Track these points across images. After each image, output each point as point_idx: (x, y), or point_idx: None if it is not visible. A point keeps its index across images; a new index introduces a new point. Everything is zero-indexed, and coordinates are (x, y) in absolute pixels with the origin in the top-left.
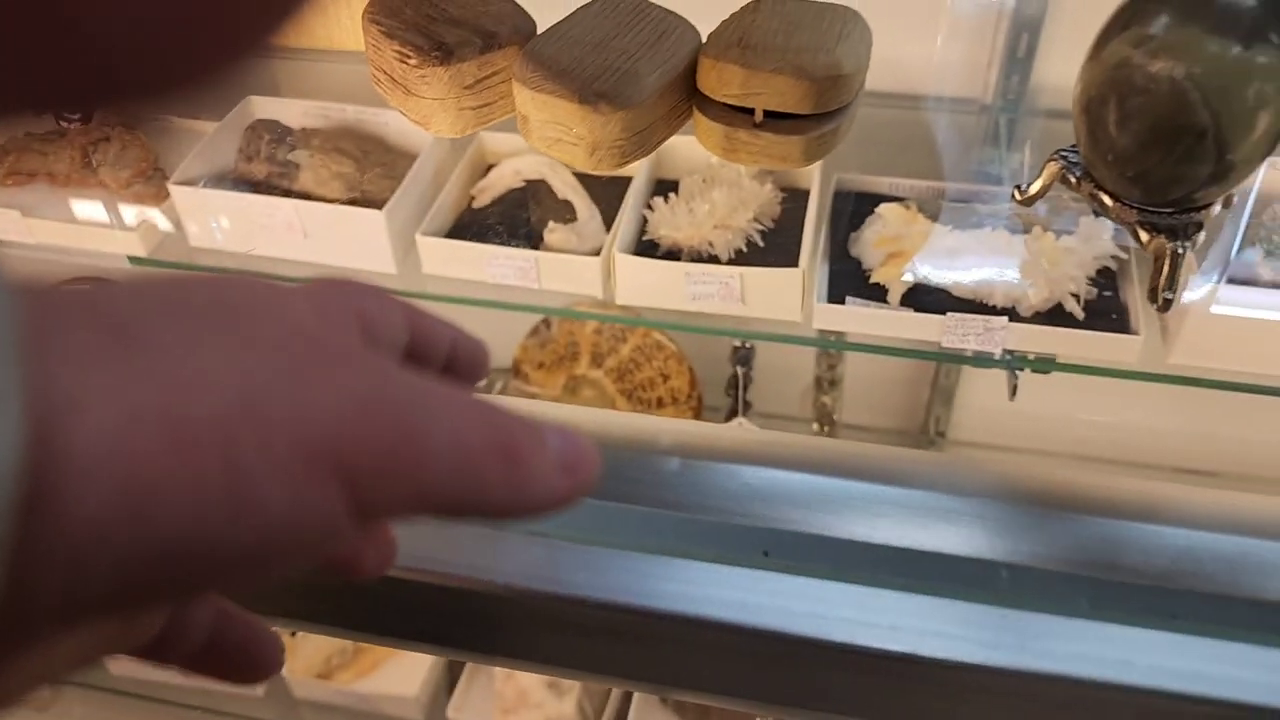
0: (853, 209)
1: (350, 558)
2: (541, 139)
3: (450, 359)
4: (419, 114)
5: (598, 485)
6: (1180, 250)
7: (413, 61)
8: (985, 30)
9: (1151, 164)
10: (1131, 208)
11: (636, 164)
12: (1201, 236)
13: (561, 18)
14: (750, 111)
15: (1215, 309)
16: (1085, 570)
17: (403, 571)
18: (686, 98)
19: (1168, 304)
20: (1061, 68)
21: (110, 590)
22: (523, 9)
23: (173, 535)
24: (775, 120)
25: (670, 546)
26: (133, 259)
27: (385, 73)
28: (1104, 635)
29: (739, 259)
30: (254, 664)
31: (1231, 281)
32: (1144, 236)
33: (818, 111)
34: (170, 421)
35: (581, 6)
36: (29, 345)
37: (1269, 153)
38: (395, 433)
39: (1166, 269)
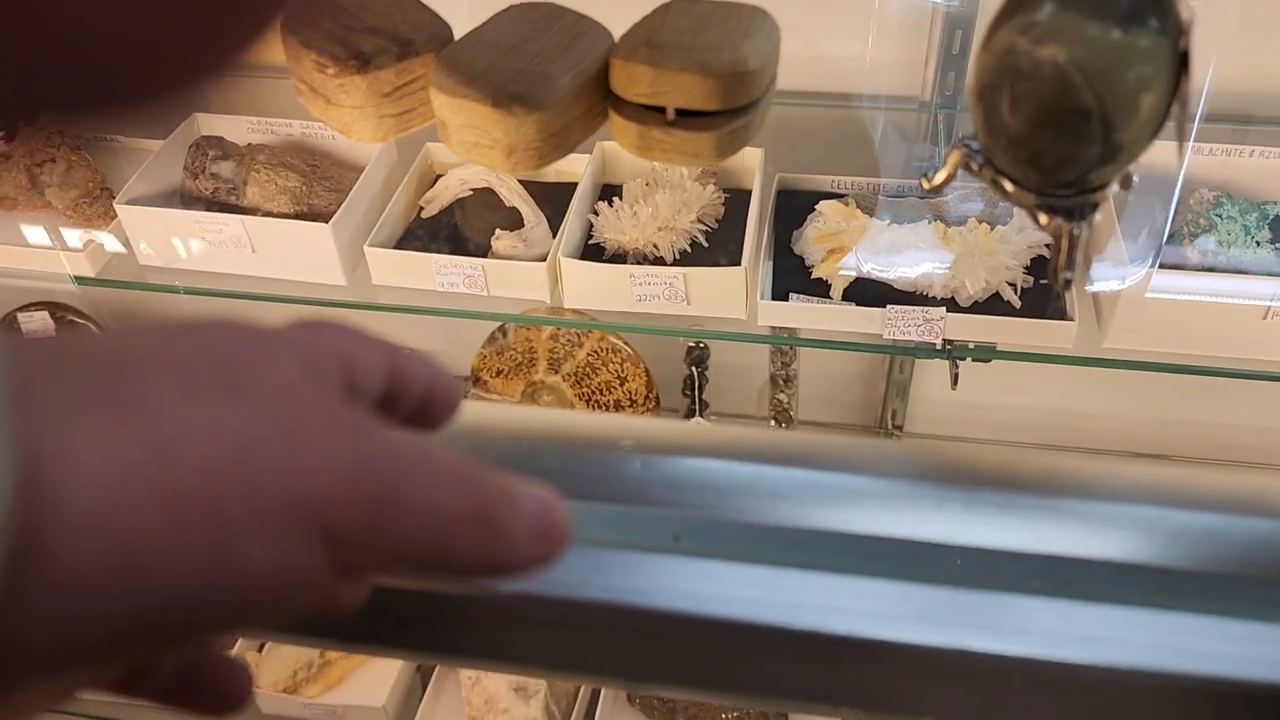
0: (796, 208)
1: (326, 603)
2: (460, 143)
3: (426, 396)
4: (340, 123)
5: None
6: (1076, 231)
7: (330, 71)
8: (921, 29)
9: (1042, 146)
10: (1029, 191)
11: (581, 169)
12: (1099, 216)
13: (477, 24)
14: (662, 110)
15: (1148, 294)
16: (1066, 551)
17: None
18: (601, 99)
19: (1068, 283)
20: None
21: (98, 641)
22: (439, 16)
23: (161, 591)
24: (687, 118)
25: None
26: (81, 279)
27: (305, 83)
28: (1007, 607)
29: (683, 259)
30: (223, 697)
31: (1162, 266)
32: (1043, 219)
33: (726, 107)
34: (161, 481)
35: (497, 13)
36: (20, 398)
37: (1157, 132)
38: (377, 497)
39: (1064, 248)
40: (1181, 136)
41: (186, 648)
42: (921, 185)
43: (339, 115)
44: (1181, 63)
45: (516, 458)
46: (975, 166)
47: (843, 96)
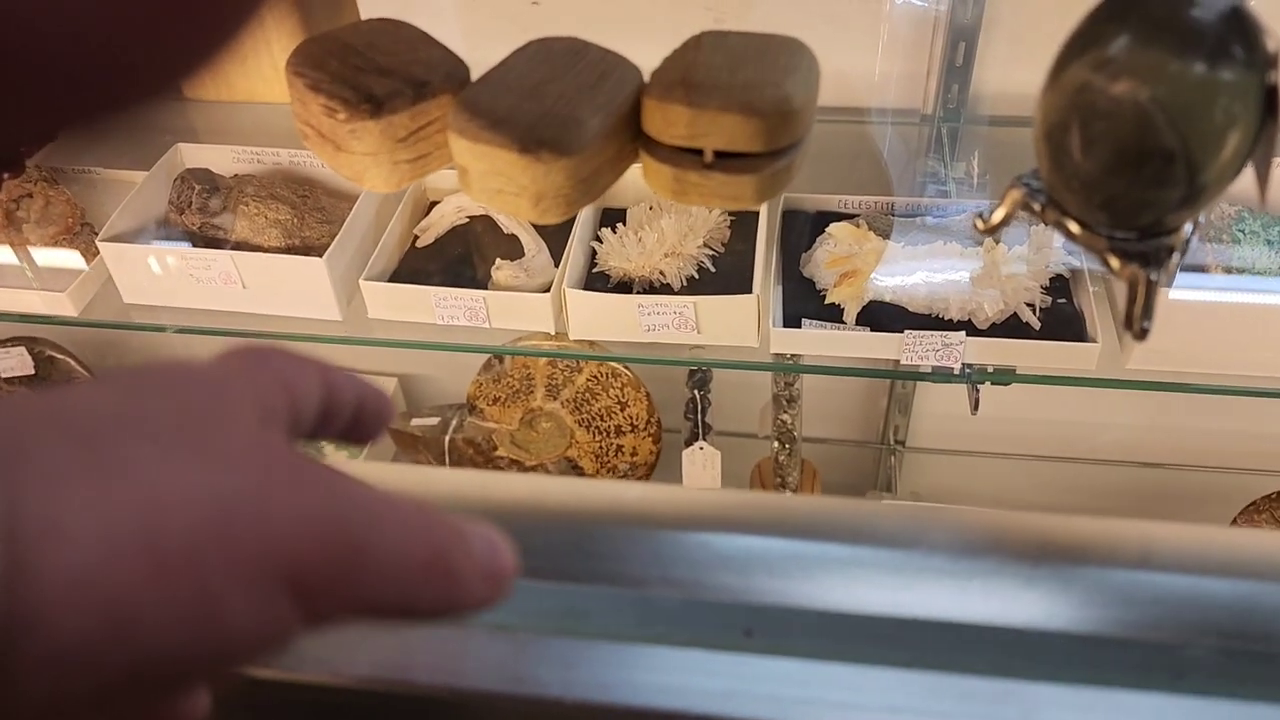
0: (803, 228)
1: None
2: (482, 190)
3: (357, 412)
4: (351, 170)
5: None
6: (1154, 278)
7: (341, 116)
8: (923, 41)
9: (1119, 190)
10: (1099, 235)
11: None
12: (1176, 259)
13: (496, 62)
14: (699, 151)
15: (1171, 312)
16: (1088, 628)
17: (356, 681)
18: (631, 140)
19: (1144, 332)
20: (1000, 75)
21: (86, 700)
22: (455, 55)
23: (148, 650)
24: (726, 160)
25: (640, 630)
26: (64, 320)
27: (313, 128)
28: (1113, 703)
29: (691, 286)
30: None
31: (1185, 284)
32: (1115, 264)
33: (769, 149)
34: (147, 545)
35: (517, 50)
36: (3, 467)
37: (1239, 171)
38: (346, 550)
39: (1142, 296)
40: (1265, 178)
41: (168, 697)
42: (976, 226)
43: (350, 162)
44: (1268, 98)
45: (559, 536)
46: (1037, 207)
47: (845, 111)
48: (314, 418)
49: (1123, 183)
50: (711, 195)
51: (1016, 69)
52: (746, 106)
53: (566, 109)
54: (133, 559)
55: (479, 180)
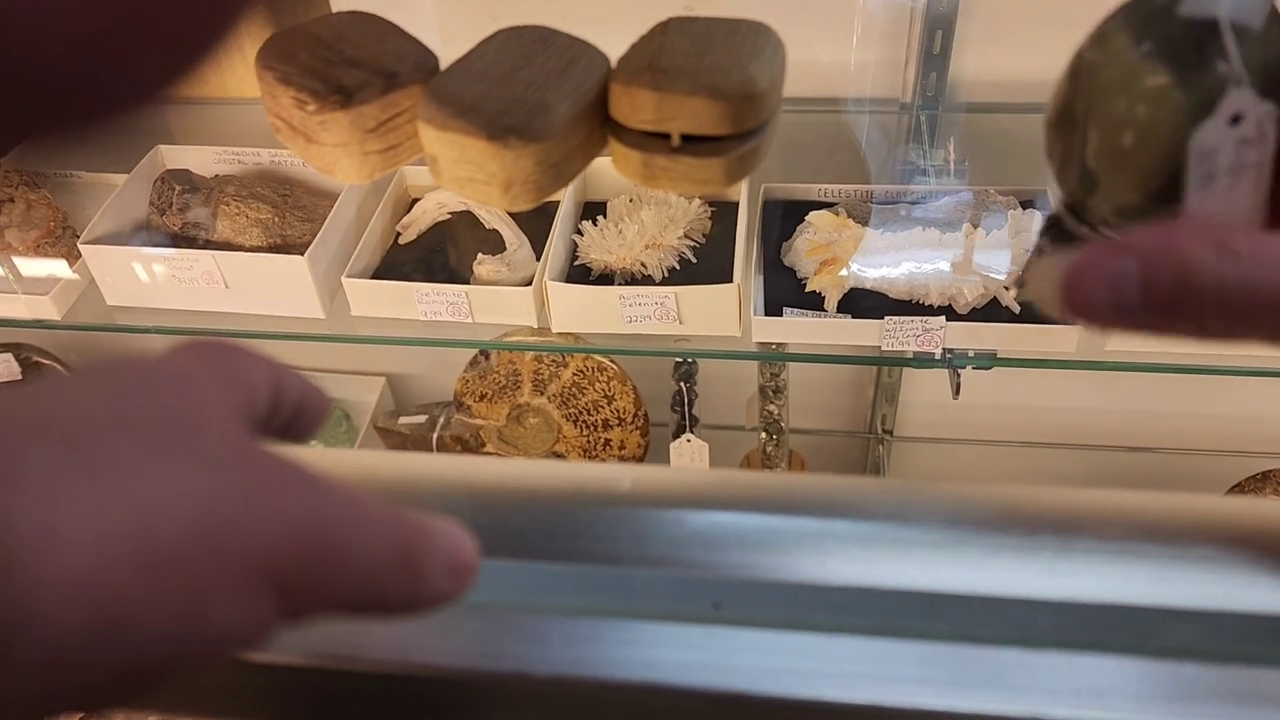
0: (783, 218)
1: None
2: (452, 179)
3: (298, 409)
4: (322, 161)
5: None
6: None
7: (310, 108)
8: (900, 30)
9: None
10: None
11: (563, 188)
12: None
13: (465, 52)
14: (667, 136)
15: None
16: (1056, 595)
17: (329, 661)
18: (600, 126)
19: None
20: (977, 62)
21: (75, 698)
22: (424, 45)
23: (138, 650)
24: (693, 143)
25: (613, 605)
26: (47, 324)
27: (284, 120)
28: (1081, 668)
29: (672, 277)
30: None
31: None
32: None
33: (735, 132)
34: (137, 548)
35: (486, 39)
36: None
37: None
38: (323, 548)
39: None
40: None
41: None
42: (1008, 290)
43: (321, 154)
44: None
45: (514, 512)
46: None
47: (824, 101)
48: (264, 414)
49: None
50: (680, 179)
51: (993, 56)
52: (711, 90)
53: (534, 95)
54: (123, 561)
55: (449, 169)
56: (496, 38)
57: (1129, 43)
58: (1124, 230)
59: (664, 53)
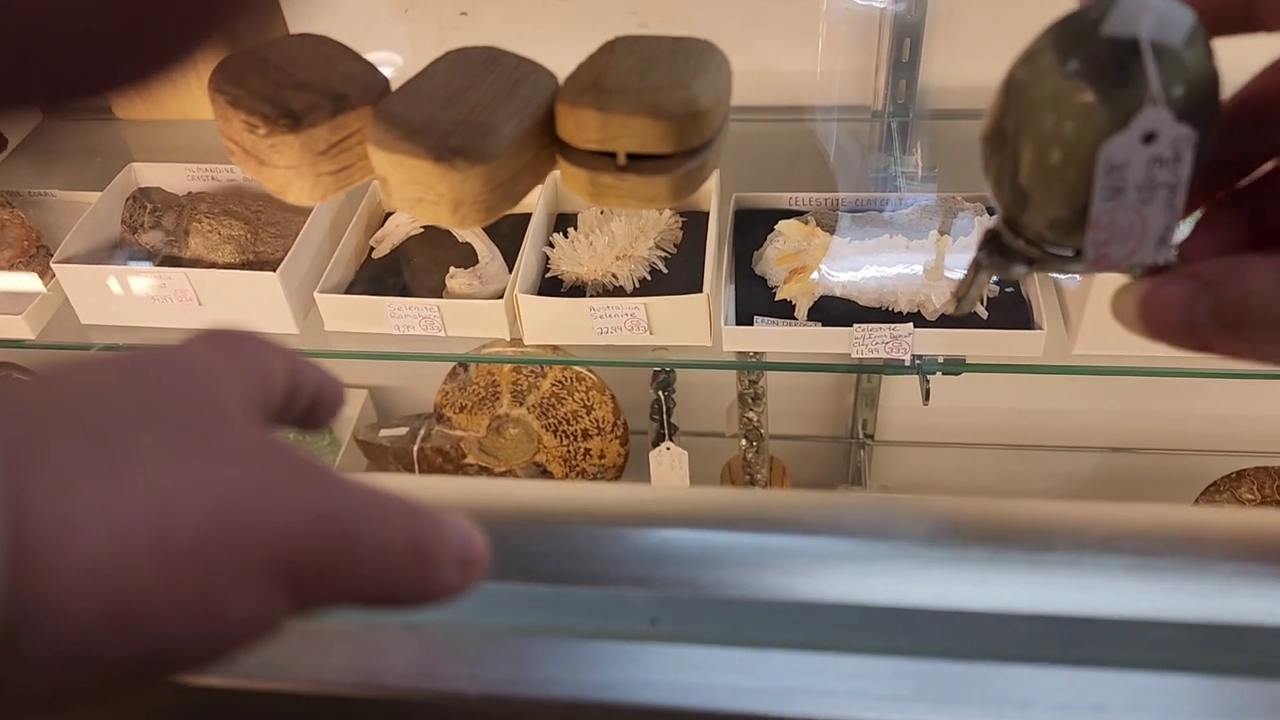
0: (754, 227)
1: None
2: (402, 199)
3: (314, 399)
4: (275, 184)
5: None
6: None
7: (261, 131)
8: (870, 38)
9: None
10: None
11: (534, 199)
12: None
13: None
14: (613, 155)
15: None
16: (986, 607)
17: (265, 682)
18: (548, 145)
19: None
20: (946, 69)
21: (88, 688)
22: (374, 67)
23: (153, 644)
24: (639, 161)
25: (550, 622)
26: (22, 343)
27: (237, 143)
28: (993, 677)
29: (644, 288)
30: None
31: None
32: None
33: (679, 150)
34: (156, 541)
35: (433, 61)
36: (14, 463)
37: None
38: (338, 541)
39: (971, 281)
40: None
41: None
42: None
43: (273, 176)
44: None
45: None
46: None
47: (795, 109)
48: (279, 404)
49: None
50: (627, 197)
51: (962, 63)
52: (654, 109)
53: (481, 116)
54: (141, 555)
55: (398, 189)
56: (445, 59)
57: (1056, 61)
58: (1058, 244)
59: (608, 72)
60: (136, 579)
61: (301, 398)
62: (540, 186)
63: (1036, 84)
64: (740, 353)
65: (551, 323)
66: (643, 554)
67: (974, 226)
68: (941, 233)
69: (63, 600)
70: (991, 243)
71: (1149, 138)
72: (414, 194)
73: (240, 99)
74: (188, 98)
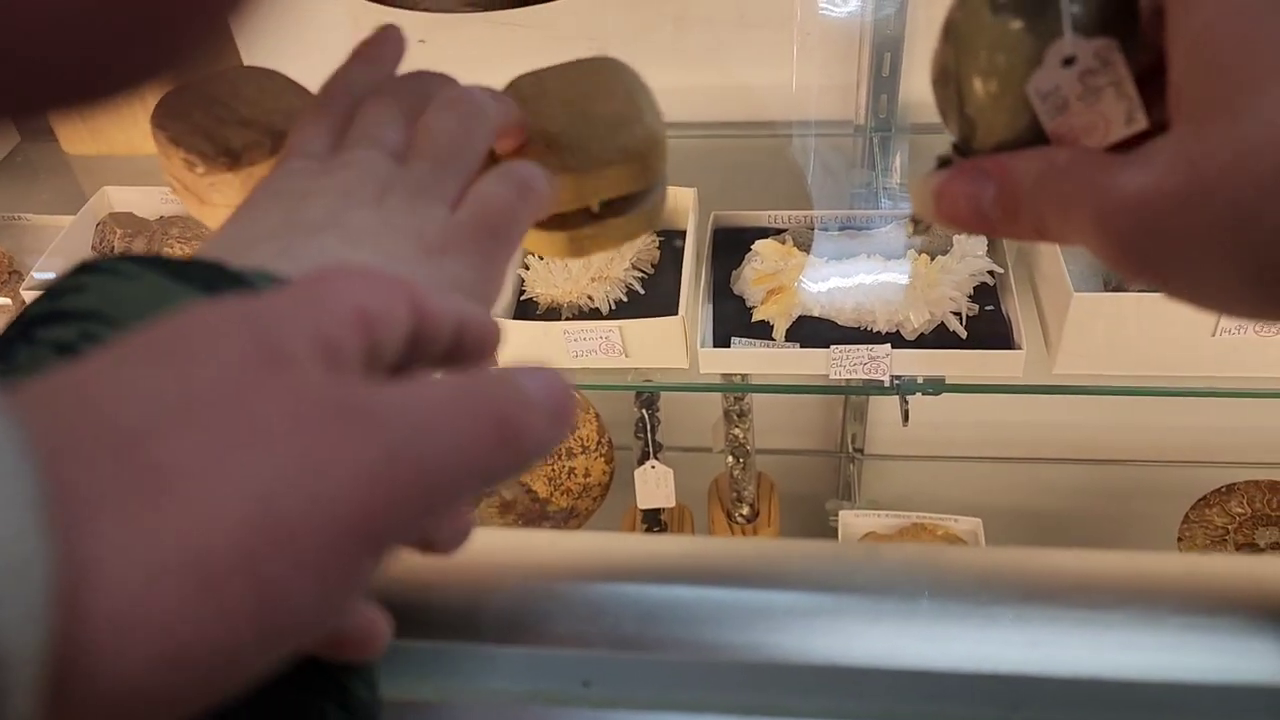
0: (733, 246)
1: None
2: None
3: (456, 339)
4: (216, 222)
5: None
6: None
7: (199, 170)
8: (851, 53)
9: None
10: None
11: None
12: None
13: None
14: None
15: (1094, 317)
16: (921, 664)
17: None
18: None
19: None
20: (927, 84)
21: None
22: None
23: (207, 668)
24: (614, 203)
25: (480, 685)
26: None
27: (178, 180)
28: None
29: (620, 309)
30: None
31: (1107, 288)
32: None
33: (655, 180)
34: (198, 563)
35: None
36: (49, 504)
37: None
38: (413, 485)
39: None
40: None
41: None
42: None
43: (215, 214)
44: None
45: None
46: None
47: (776, 125)
48: (400, 349)
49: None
50: (608, 241)
51: None
52: (624, 153)
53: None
54: (182, 583)
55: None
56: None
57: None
58: None
59: (545, 122)
60: (181, 607)
61: (436, 341)
62: None
63: (968, 22)
64: (725, 375)
65: (526, 347)
66: (577, 610)
67: (952, 245)
68: (920, 251)
69: (106, 646)
70: (945, 166)
71: (1068, 61)
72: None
73: (180, 136)
74: (134, 130)
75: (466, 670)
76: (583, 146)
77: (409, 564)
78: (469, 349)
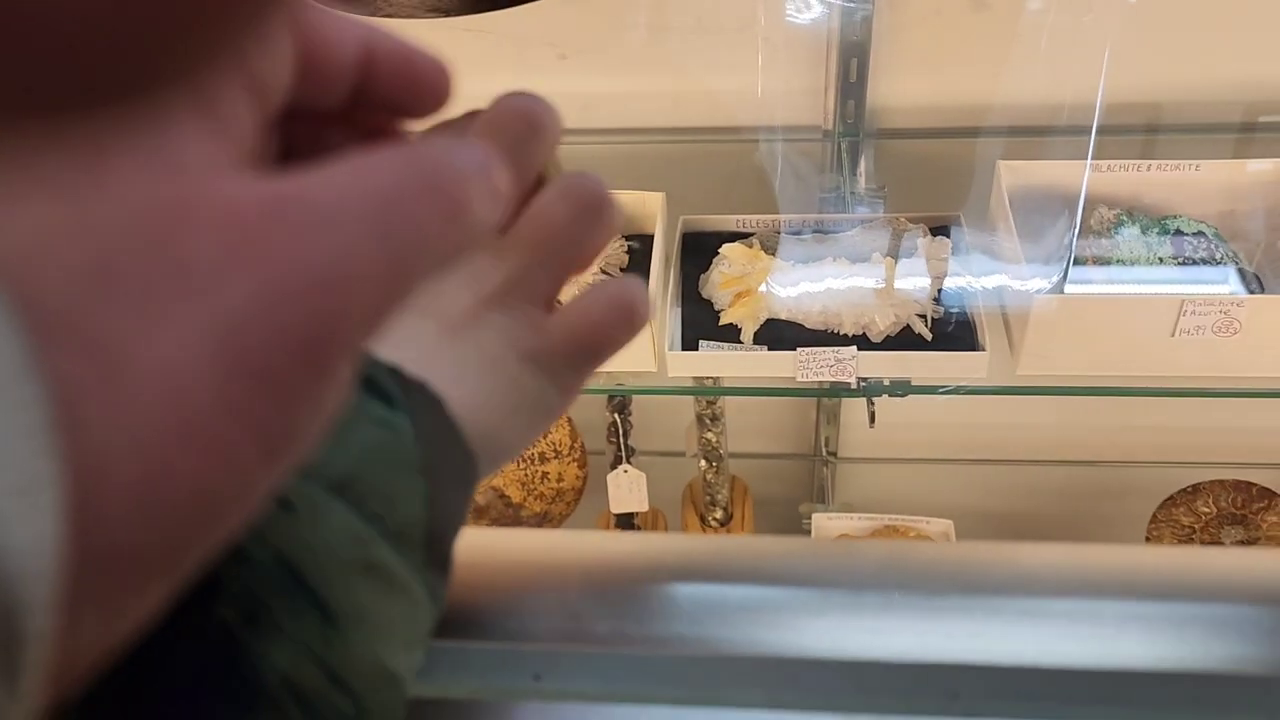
0: (702, 249)
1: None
2: None
3: (401, 77)
4: None
5: None
6: None
7: None
8: (818, 58)
9: None
10: None
11: None
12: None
13: None
14: None
15: (1055, 318)
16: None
17: None
18: None
19: None
20: (893, 88)
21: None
22: None
23: (208, 512)
24: None
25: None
26: None
27: None
28: None
29: None
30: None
31: (1068, 289)
32: None
33: None
34: (179, 425)
35: None
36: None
37: None
38: (364, 278)
39: None
40: None
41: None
42: None
43: None
44: None
45: None
46: None
47: (744, 130)
48: (287, 80)
49: None
50: None
51: (909, 82)
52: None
53: None
54: (167, 439)
55: None
56: None
57: None
58: None
59: None
60: (174, 463)
61: (380, 77)
62: None
63: None
64: (697, 379)
65: None
66: (528, 607)
67: (918, 247)
68: (886, 254)
69: (113, 516)
70: None
71: None
72: None
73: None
74: None
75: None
76: None
77: None
78: (417, 92)
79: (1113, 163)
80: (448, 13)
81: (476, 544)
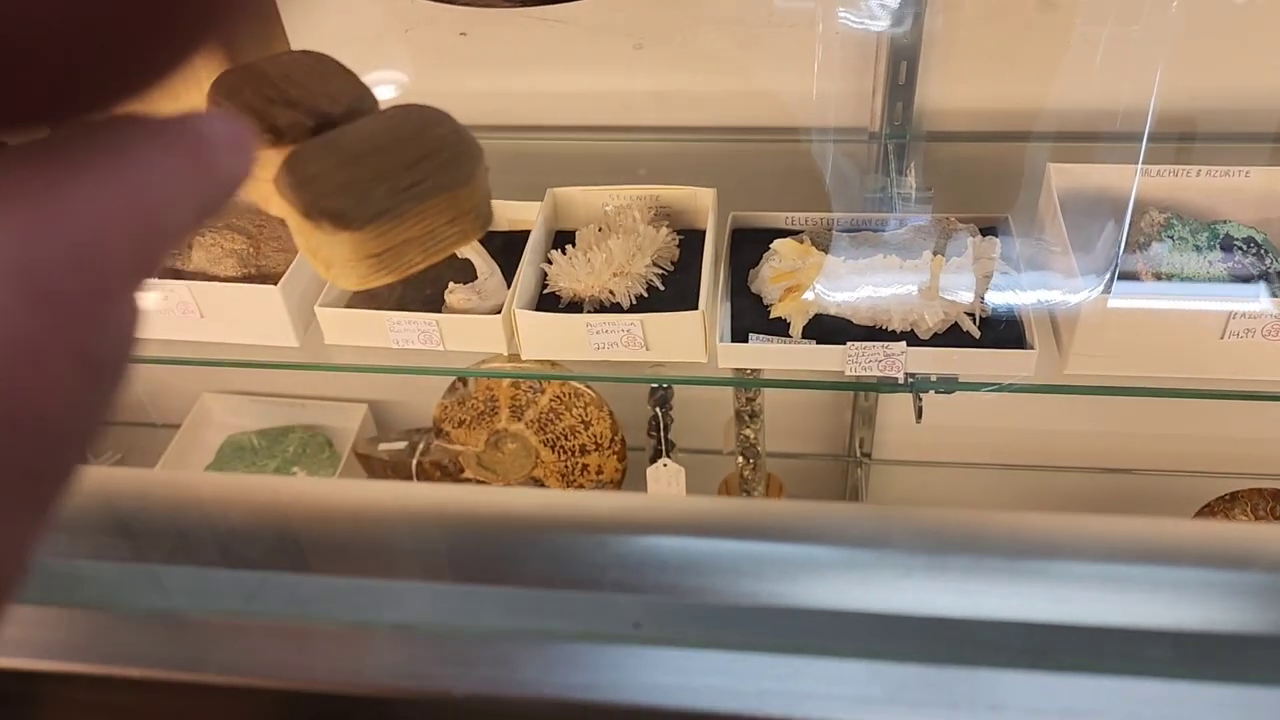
0: (751, 246)
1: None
2: (295, 239)
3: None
4: (259, 195)
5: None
6: None
7: None
8: (867, 61)
9: None
10: None
11: (533, 216)
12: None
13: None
14: None
15: (1105, 319)
16: (964, 614)
17: (262, 680)
18: (448, 224)
19: None
20: (942, 91)
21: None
22: (364, 86)
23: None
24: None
25: (536, 625)
26: None
27: None
28: (981, 682)
29: (640, 304)
30: None
31: (1118, 291)
32: None
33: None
34: None
35: (384, 109)
36: None
37: None
38: (134, 235)
39: None
40: None
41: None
42: None
43: (257, 188)
44: None
45: (469, 544)
46: None
47: (793, 131)
48: None
49: None
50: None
51: (957, 85)
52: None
53: (370, 183)
54: None
55: (293, 231)
56: (390, 111)
57: None
58: None
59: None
60: None
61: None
62: (538, 204)
63: None
64: (738, 370)
65: (549, 338)
66: (627, 560)
67: (967, 247)
68: (935, 253)
69: None
70: None
71: None
72: (300, 240)
73: (230, 111)
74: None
75: (527, 611)
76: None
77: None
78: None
79: (1162, 168)
80: (525, 3)
81: (604, 503)
